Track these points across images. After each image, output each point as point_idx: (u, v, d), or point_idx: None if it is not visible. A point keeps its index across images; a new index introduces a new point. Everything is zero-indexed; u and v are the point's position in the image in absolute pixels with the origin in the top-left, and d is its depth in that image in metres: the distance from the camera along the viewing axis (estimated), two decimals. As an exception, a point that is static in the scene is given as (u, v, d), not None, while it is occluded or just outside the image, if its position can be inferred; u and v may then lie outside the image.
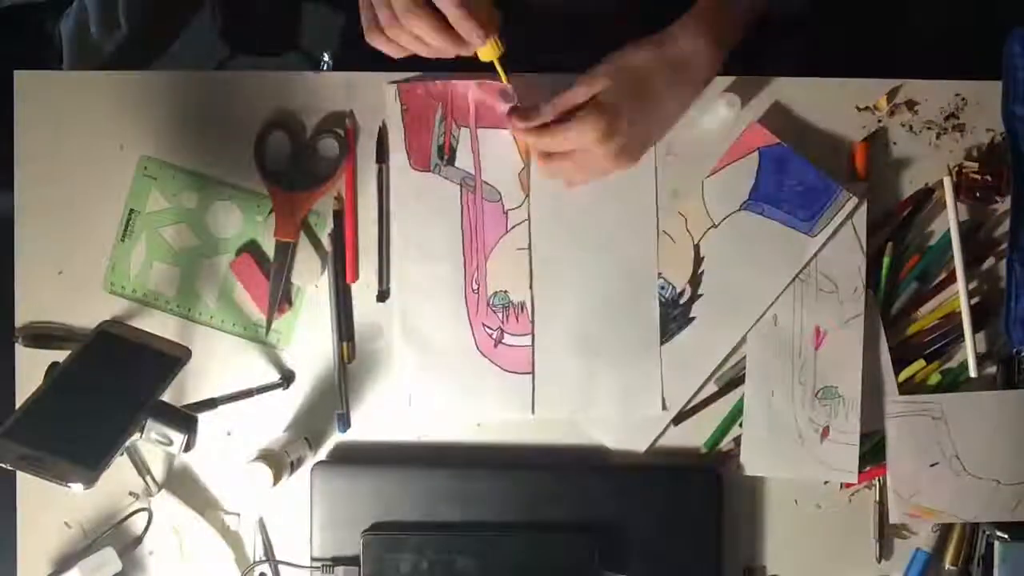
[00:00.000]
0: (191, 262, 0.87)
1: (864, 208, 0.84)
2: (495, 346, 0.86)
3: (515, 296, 0.86)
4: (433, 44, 0.73)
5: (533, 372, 0.86)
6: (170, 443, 0.71)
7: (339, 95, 0.87)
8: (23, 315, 0.87)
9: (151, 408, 0.71)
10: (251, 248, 0.87)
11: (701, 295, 0.85)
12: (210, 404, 0.79)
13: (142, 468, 0.85)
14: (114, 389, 0.73)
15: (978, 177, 0.84)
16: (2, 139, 0.87)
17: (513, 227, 0.86)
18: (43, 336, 0.86)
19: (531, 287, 0.86)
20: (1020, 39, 0.84)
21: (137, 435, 0.71)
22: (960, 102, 0.86)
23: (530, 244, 0.86)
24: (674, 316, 0.85)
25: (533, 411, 0.86)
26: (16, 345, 0.86)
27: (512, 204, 0.86)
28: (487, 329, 0.86)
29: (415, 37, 0.72)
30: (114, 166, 0.87)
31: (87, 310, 0.87)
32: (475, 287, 0.86)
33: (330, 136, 0.86)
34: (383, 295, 0.86)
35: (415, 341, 0.86)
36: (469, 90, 0.85)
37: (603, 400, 0.86)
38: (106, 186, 0.86)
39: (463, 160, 0.86)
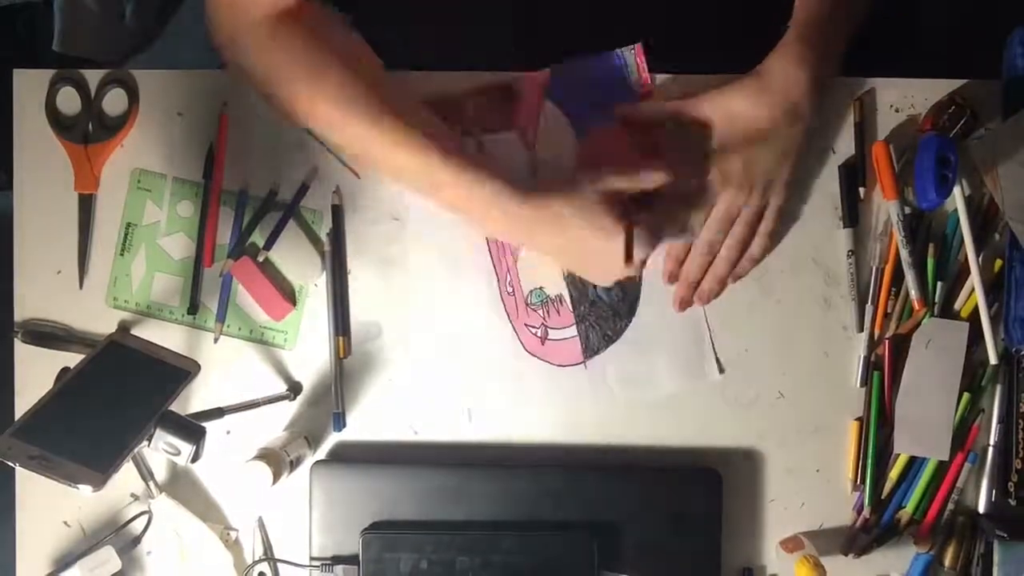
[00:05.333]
0: (191, 270, 0.87)
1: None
2: (542, 343, 0.86)
3: (551, 290, 0.86)
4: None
5: (584, 362, 0.86)
6: (178, 453, 0.71)
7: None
8: (22, 314, 0.87)
9: (160, 418, 0.71)
10: (250, 251, 0.87)
11: None
12: (217, 413, 0.79)
13: (145, 472, 0.85)
14: (123, 398, 0.74)
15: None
16: (2, 139, 0.87)
17: None
18: (43, 335, 0.86)
19: (565, 279, 0.86)
20: (1020, 39, 0.84)
21: (145, 443, 0.71)
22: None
23: None
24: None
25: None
26: (15, 342, 0.86)
27: None
28: (531, 329, 0.86)
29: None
30: (114, 165, 0.87)
31: (87, 310, 0.87)
32: (510, 290, 0.86)
33: (118, 87, 0.86)
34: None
35: (462, 356, 0.86)
36: (468, 101, 0.85)
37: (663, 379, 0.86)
38: (106, 185, 0.87)
39: None
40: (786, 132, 0.80)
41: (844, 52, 0.82)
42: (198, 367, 0.77)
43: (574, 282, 0.86)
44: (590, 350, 0.86)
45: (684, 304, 0.86)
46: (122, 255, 0.87)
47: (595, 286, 0.86)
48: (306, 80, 0.74)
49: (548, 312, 0.86)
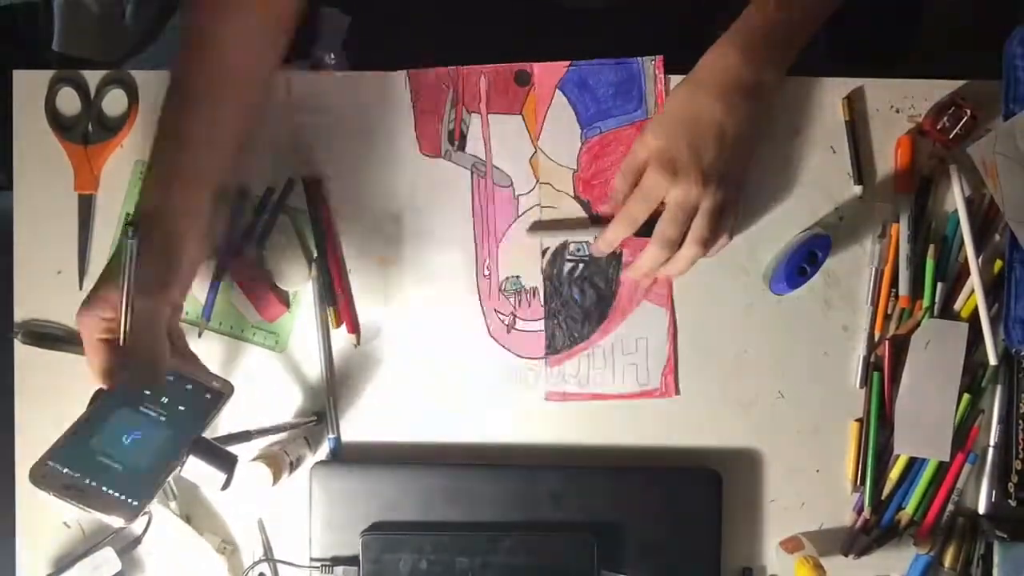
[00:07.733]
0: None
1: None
2: (508, 332, 0.87)
3: (527, 282, 0.87)
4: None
5: (546, 357, 0.87)
6: (208, 481, 0.70)
7: (342, 93, 0.86)
8: (22, 314, 0.87)
9: (193, 444, 0.69)
10: (247, 250, 0.86)
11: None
12: (245, 436, 0.78)
13: (167, 488, 0.85)
14: (157, 420, 0.71)
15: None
16: (2, 139, 0.87)
17: (524, 213, 0.87)
18: (43, 335, 0.86)
19: (543, 273, 0.86)
20: (1020, 39, 0.84)
21: (177, 469, 0.69)
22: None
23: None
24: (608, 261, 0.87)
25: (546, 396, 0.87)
26: (15, 343, 0.86)
27: (523, 190, 0.87)
28: (499, 315, 0.87)
29: None
30: (114, 165, 0.87)
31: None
32: (487, 272, 0.87)
33: (118, 87, 0.86)
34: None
35: (425, 324, 0.87)
36: (480, 76, 0.86)
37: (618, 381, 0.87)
38: (106, 186, 0.87)
39: (473, 146, 0.87)
40: (730, 123, 0.78)
41: (797, 52, 0.81)
42: (232, 388, 0.75)
43: (551, 278, 0.86)
44: (553, 348, 0.87)
45: (632, 285, 0.86)
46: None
47: (571, 285, 0.86)
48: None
49: (520, 302, 0.87)
